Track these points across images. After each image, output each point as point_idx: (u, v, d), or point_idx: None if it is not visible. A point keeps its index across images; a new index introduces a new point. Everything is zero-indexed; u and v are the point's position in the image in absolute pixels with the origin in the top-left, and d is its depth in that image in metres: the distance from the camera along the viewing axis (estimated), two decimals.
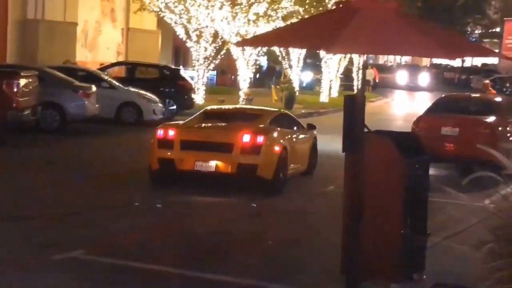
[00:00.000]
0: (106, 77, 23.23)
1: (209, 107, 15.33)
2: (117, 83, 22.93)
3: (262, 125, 13.16)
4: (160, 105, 22.90)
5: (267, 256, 8.90)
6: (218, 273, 7.96)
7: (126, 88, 22.81)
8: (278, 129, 13.30)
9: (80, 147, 17.64)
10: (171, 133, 12.62)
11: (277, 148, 12.64)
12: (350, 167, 7.43)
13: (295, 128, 14.52)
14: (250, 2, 29.83)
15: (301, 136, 14.43)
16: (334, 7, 33.94)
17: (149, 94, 22.80)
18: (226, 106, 18.44)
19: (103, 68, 26.02)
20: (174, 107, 25.03)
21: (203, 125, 13.27)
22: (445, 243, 8.96)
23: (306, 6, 32.88)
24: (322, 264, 8.50)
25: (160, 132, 12.79)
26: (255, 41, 9.78)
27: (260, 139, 12.37)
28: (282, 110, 16.17)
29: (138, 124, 21.98)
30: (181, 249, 9.04)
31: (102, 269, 7.98)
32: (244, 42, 16.26)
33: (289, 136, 13.60)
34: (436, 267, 8.14)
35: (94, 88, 20.28)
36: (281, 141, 12.95)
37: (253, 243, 9.51)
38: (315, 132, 15.17)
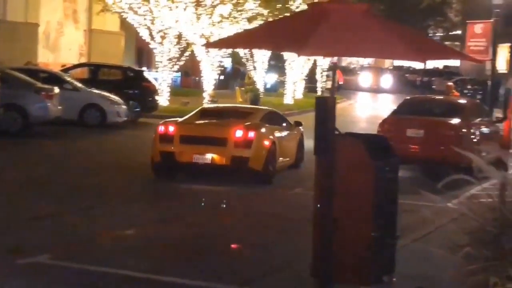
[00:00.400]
0: (68, 79, 22.96)
1: (205, 106, 16.57)
2: (80, 85, 22.69)
3: (253, 122, 14.25)
4: (124, 107, 22.69)
5: (237, 258, 8.82)
6: (186, 277, 7.85)
7: (89, 89, 22.57)
8: (268, 125, 14.41)
9: (41, 150, 17.39)
10: (171, 128, 13.77)
11: (266, 143, 13.83)
12: (320, 169, 7.38)
13: (283, 124, 15.54)
14: (214, 4, 29.74)
15: (289, 132, 15.51)
16: (298, 9, 34.12)
17: (112, 96, 22.59)
18: (221, 105, 20.25)
19: (66, 70, 25.74)
20: (138, 109, 24.82)
21: (200, 121, 14.47)
22: (417, 245, 8.96)
23: (270, 8, 32.85)
24: (292, 267, 8.43)
25: (161, 128, 13.86)
26: (224, 42, 9.70)
27: (251, 134, 13.53)
28: (271, 109, 17.19)
29: (101, 126, 21.76)
30: (149, 253, 8.90)
31: (68, 274, 7.83)
32: (213, 44, 16.14)
33: (278, 132, 14.63)
34: (407, 270, 8.13)
35: (56, 89, 20.01)
36: (270, 136, 14.12)
37: (221, 246, 9.41)
38: (301, 129, 16.17)
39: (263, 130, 14.04)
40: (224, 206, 11.49)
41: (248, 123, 13.98)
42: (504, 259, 4.49)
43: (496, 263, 4.47)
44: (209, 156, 13.44)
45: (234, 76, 44.45)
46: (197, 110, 15.56)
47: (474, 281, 4.50)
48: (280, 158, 14.45)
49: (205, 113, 15.33)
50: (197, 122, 14.46)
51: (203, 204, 11.47)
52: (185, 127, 14.01)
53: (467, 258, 4.68)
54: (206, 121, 14.51)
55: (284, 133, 15.16)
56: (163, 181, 13.76)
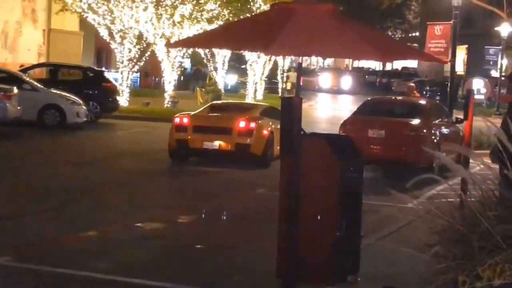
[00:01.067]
0: (27, 79, 22.66)
1: (214, 102, 20.11)
2: (39, 85, 22.41)
3: (254, 115, 16.85)
4: (84, 107, 22.46)
5: (201, 260, 8.76)
6: (152, 279, 7.78)
7: (49, 90, 22.30)
8: (266, 118, 16.80)
9: None
10: (185, 120, 16.48)
11: (265, 132, 16.34)
12: (286, 169, 7.36)
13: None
14: (175, 4, 29.62)
15: None
16: (259, 10, 34.13)
17: (72, 96, 22.34)
18: (227, 101, 23.20)
19: (24, 70, 25.40)
20: (98, 109, 24.60)
21: (210, 114, 17.12)
22: (382, 244, 9.00)
23: (231, 8, 32.84)
24: (257, 268, 8.40)
25: (177, 120, 16.63)
26: (186, 42, 9.64)
27: (252, 125, 16.15)
28: (270, 105, 19.34)
29: (61, 127, 21.51)
30: (111, 254, 8.80)
31: (30, 276, 7.70)
32: (174, 44, 16.17)
33: (275, 124, 16.08)
34: (371, 269, 8.16)
35: (15, 90, 19.73)
36: (269, 127, 16.44)
37: (187, 248, 9.35)
38: None
39: (262, 121, 16.50)
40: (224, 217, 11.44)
41: (249, 116, 16.55)
42: (473, 258, 4.52)
43: (465, 262, 4.50)
44: (217, 143, 15.93)
45: (195, 77, 44.32)
46: (207, 105, 19.05)
47: (442, 280, 4.52)
48: (278, 147, 15.79)
49: (213, 107, 18.03)
50: (207, 114, 17.12)
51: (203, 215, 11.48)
52: (197, 118, 16.66)
53: (436, 257, 4.70)
54: (214, 114, 17.13)
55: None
56: (131, 189, 13.64)
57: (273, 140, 16.13)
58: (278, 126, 16.79)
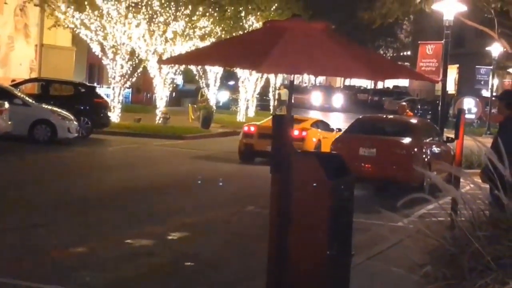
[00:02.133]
0: (19, 94, 22.60)
1: (276, 114, 24.05)
2: (30, 100, 22.36)
3: (306, 126, 21.16)
4: (75, 123, 22.42)
5: (188, 278, 8.71)
6: None
7: (40, 105, 22.25)
8: (316, 129, 21.39)
9: None
10: (252, 128, 20.99)
11: (314, 139, 20.69)
12: (276, 187, 7.34)
13: (327, 128, 22.32)
14: (167, 21, 29.68)
15: (330, 133, 21.39)
16: (251, 27, 34.23)
17: (63, 112, 22.30)
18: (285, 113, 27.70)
19: (16, 85, 25.33)
20: (89, 125, 24.56)
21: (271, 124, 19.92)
22: (371, 263, 8.97)
23: (223, 25, 32.94)
24: (247, 285, 8.36)
25: (245, 128, 21.34)
26: (179, 59, 9.63)
27: (304, 133, 20.50)
28: (320, 119, 24.58)
29: (52, 142, 21.45)
30: (93, 269, 8.74)
31: None
32: (167, 61, 16.13)
33: (323, 134, 20.91)
34: None
35: (6, 104, 19.67)
36: (317, 136, 20.87)
37: (174, 264, 9.30)
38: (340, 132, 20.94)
39: (312, 131, 20.87)
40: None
41: (302, 126, 20.72)
42: (463, 278, 4.50)
43: (455, 283, 4.48)
44: None
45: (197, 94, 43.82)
46: (270, 117, 21.21)
47: None
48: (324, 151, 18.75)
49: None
50: (269, 124, 18.81)
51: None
52: (261, 127, 20.59)
53: (426, 277, 4.67)
54: None
55: (327, 134, 21.17)
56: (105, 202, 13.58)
57: (321, 146, 20.39)
58: (326, 136, 20.98)
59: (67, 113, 22.30)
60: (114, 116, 28.63)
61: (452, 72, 54.23)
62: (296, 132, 19.24)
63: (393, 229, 6.52)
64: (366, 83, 73.05)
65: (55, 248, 9.68)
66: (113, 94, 29.81)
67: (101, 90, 30.71)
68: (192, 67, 34.36)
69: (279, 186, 7.23)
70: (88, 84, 30.42)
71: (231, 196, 14.94)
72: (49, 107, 22.34)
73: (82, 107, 24.57)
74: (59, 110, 22.28)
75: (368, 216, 11.01)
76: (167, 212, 12.63)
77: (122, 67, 29.54)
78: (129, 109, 34.65)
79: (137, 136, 26.08)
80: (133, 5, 28.56)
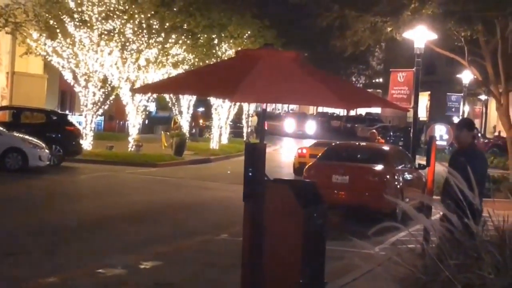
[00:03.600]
0: None
1: (319, 140, 31.42)
2: (1, 128, 22.20)
3: None
4: (46, 151, 22.27)
5: None
6: None
7: (11, 133, 22.09)
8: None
9: None
10: (305, 150, 26.43)
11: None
12: (249, 215, 7.35)
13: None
14: (140, 48, 29.70)
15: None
16: (224, 55, 34.26)
17: (35, 140, 22.16)
18: (329, 140, 30.56)
19: None
20: (61, 153, 24.41)
21: (318, 147, 24.71)
22: None
23: (196, 53, 33.01)
24: None
25: (299, 150, 27.00)
26: (154, 87, 9.64)
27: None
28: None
29: (23, 171, 21.27)
30: None
31: None
32: (140, 89, 16.06)
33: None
34: None
35: None
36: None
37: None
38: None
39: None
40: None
41: None
42: None
43: None
44: None
45: (193, 120, 43.48)
46: (315, 142, 29.25)
47: None
48: None
49: (318, 144, 27.33)
50: (317, 147, 24.97)
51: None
52: (311, 149, 25.71)
53: None
54: (319, 147, 24.12)
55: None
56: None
57: None
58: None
59: (38, 141, 22.16)
60: (86, 143, 28.50)
61: (424, 99, 54.75)
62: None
63: (366, 257, 6.54)
64: (339, 110, 73.40)
65: (25, 280, 9.55)
66: (85, 121, 29.67)
67: (73, 118, 30.55)
68: (165, 95, 34.33)
69: (251, 214, 7.24)
70: (60, 112, 30.28)
71: (204, 224, 14.88)
72: (20, 135, 22.20)
73: (53, 135, 24.45)
74: (30, 138, 22.14)
75: (341, 244, 11.02)
76: (140, 241, 12.56)
77: (94, 94, 29.45)
78: (102, 136, 34.50)
79: (109, 164, 25.94)
80: (105, 32, 28.55)
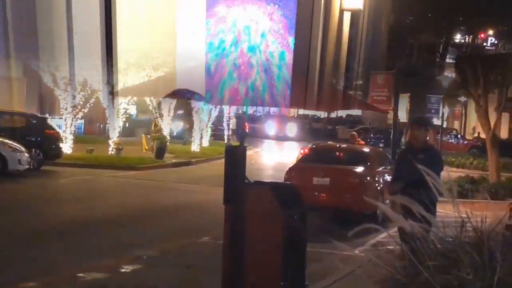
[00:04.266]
0: None
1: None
2: None
3: None
4: (26, 154, 22.12)
5: None
6: None
7: None
8: None
9: None
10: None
11: None
12: (230, 218, 7.34)
13: None
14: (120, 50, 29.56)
15: None
16: None
17: (14, 143, 22.01)
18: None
19: None
20: (41, 156, 24.26)
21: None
22: None
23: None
24: None
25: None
26: (134, 91, 9.60)
27: None
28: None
29: (2, 175, 21.12)
30: None
31: None
32: (123, 93, 16.02)
33: None
34: None
35: None
36: None
37: None
38: None
39: None
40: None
41: None
42: None
43: None
44: None
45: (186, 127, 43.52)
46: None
47: None
48: None
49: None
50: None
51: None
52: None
53: None
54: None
55: None
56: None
57: None
58: None
59: (18, 145, 22.01)
60: (66, 147, 28.34)
61: (404, 101, 54.93)
62: None
63: (346, 258, 6.56)
64: (320, 112, 73.56)
65: (3, 285, 9.49)
66: (65, 125, 29.52)
67: (53, 121, 30.36)
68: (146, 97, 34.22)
69: (231, 217, 7.23)
70: (40, 115, 30.09)
71: (185, 227, 14.85)
72: (0, 138, 22.03)
73: (33, 139, 24.30)
74: (9, 141, 21.98)
75: (322, 246, 11.03)
76: (120, 244, 12.51)
77: (74, 97, 29.30)
78: (82, 140, 34.32)
79: (89, 167, 25.82)
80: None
